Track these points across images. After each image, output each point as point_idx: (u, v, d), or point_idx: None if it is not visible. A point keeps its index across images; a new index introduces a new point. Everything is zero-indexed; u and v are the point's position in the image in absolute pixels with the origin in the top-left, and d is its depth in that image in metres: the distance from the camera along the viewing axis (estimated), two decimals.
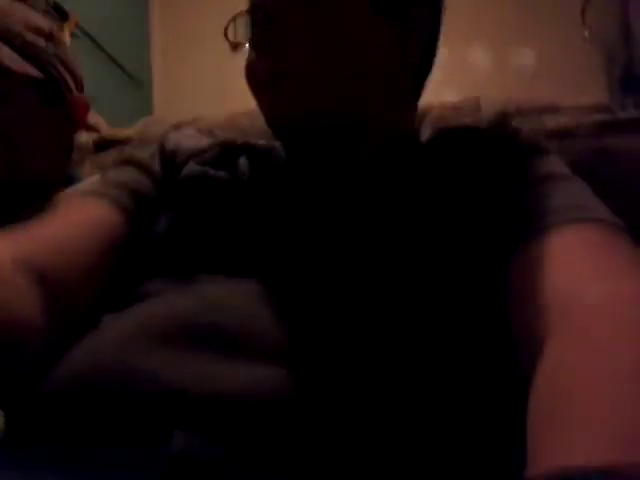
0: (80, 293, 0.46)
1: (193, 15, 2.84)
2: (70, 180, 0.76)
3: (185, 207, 0.51)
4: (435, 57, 0.60)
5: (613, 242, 0.39)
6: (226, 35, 0.56)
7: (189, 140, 0.60)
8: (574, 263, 0.37)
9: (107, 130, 1.00)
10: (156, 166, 0.58)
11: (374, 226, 0.45)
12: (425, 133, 0.80)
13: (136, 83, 2.65)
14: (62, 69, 0.71)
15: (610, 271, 0.35)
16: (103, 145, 0.97)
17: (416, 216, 0.45)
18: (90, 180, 0.73)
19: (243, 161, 0.55)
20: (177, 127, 0.93)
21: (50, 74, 0.69)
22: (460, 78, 2.76)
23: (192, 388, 0.33)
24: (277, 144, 0.58)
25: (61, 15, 2.02)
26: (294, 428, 0.32)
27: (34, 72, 0.67)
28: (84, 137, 0.87)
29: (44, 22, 0.71)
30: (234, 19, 0.56)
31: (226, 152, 0.56)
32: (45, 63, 0.69)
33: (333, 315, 0.38)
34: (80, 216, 0.50)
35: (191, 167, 0.53)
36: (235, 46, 0.57)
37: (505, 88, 2.56)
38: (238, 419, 0.32)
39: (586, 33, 2.65)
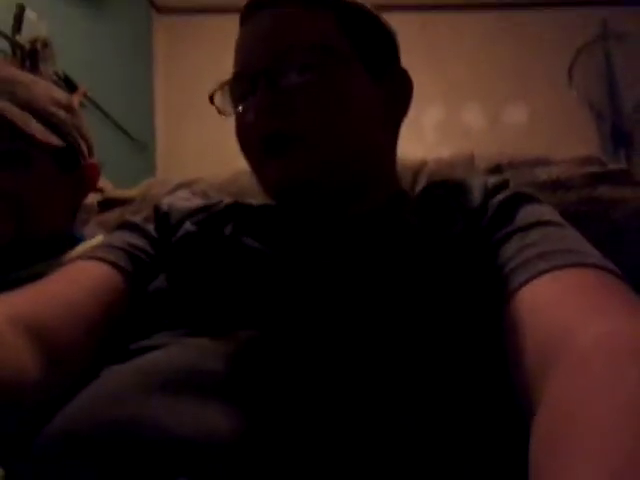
0: (78, 348, 0.46)
1: (193, 82, 2.96)
2: (74, 239, 0.77)
3: (181, 265, 0.52)
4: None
5: (607, 284, 0.40)
6: (212, 101, 0.58)
7: (182, 202, 0.63)
8: (569, 304, 0.37)
9: (112, 191, 1.03)
10: (151, 228, 0.61)
11: (363, 279, 0.45)
12: (420, 187, 0.82)
13: (140, 146, 2.73)
14: (78, 137, 0.76)
15: (606, 310, 0.36)
16: (107, 204, 0.99)
17: (408, 268, 0.46)
18: (95, 239, 0.75)
19: (237, 220, 0.56)
20: (180, 187, 0.96)
21: (69, 142, 0.74)
22: (455, 137, 2.84)
23: (194, 435, 0.33)
24: (270, 203, 0.60)
25: (70, 86, 2.11)
26: (293, 472, 0.31)
27: (56, 141, 0.71)
28: (90, 198, 0.89)
29: (63, 95, 0.76)
30: (222, 87, 0.58)
31: (219, 213, 0.58)
32: (65, 133, 0.73)
33: (328, 365, 0.38)
34: (78, 276, 0.52)
35: (187, 227, 0.55)
36: (223, 112, 0.59)
37: (499, 145, 2.62)
38: (237, 465, 0.31)
39: (574, 92, 2.75)
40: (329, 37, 0.54)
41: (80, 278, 0.51)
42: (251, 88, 0.54)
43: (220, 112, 0.59)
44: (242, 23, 0.59)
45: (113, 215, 0.95)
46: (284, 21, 0.55)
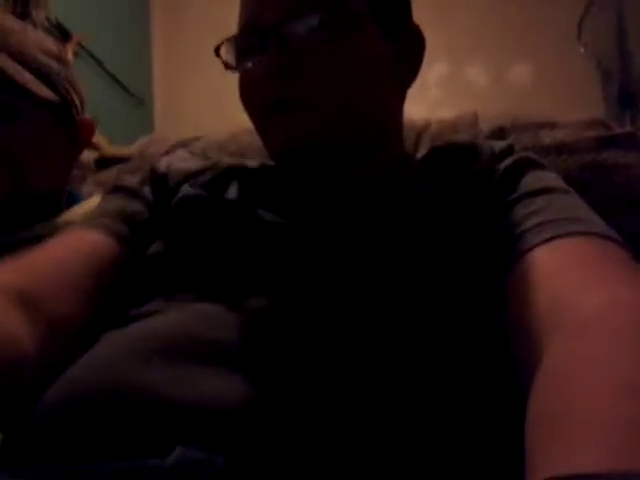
0: (74, 316, 0.46)
1: (193, 34, 2.88)
2: (72, 197, 0.77)
3: (180, 229, 0.51)
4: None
5: (609, 253, 0.40)
6: (218, 54, 0.56)
7: (181, 163, 0.61)
8: (570, 272, 0.37)
9: (108, 148, 1.01)
10: (147, 190, 0.59)
11: (369, 245, 0.45)
12: (423, 149, 0.81)
13: (137, 101, 2.67)
14: (71, 90, 0.73)
15: (606, 279, 0.36)
16: (104, 163, 0.98)
17: (412, 234, 0.45)
18: (93, 199, 0.74)
19: (236, 183, 0.55)
20: (179, 145, 0.94)
21: (63, 97, 0.71)
22: (458, 94, 2.79)
23: (193, 402, 0.33)
24: (270, 164, 0.59)
25: (63, 34, 2.05)
26: (296, 439, 0.32)
27: (52, 96, 0.69)
28: (85, 155, 0.88)
29: (54, 44, 0.73)
30: (228, 40, 0.56)
31: (219, 175, 0.57)
32: (58, 86, 0.70)
33: (332, 335, 0.39)
34: (71, 244, 0.51)
35: (185, 190, 0.54)
36: (229, 66, 0.56)
37: (503, 104, 2.58)
38: (240, 432, 0.32)
39: (582, 49, 2.68)
40: None
41: (73, 246, 0.51)
42: (259, 44, 0.52)
43: (227, 67, 0.56)
44: None
45: (111, 174, 0.94)
46: None
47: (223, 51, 0.56)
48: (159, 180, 0.59)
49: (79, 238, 0.52)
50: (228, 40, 0.56)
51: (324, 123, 0.51)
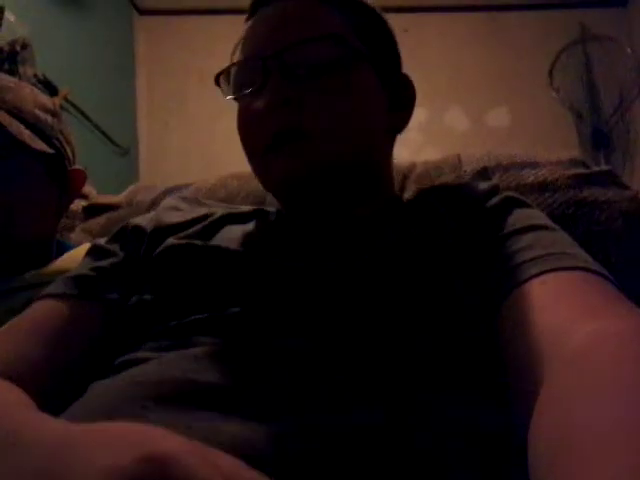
0: (51, 395, 0.45)
1: (177, 84, 2.94)
2: (61, 246, 0.76)
3: (169, 276, 0.50)
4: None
5: (597, 287, 0.40)
6: (218, 83, 0.56)
7: (168, 214, 0.59)
8: (561, 306, 0.38)
9: (97, 197, 1.02)
10: (119, 247, 0.57)
11: (367, 282, 0.45)
12: (409, 191, 0.83)
13: (122, 151, 2.70)
14: (64, 142, 0.74)
15: (596, 311, 0.36)
16: (93, 211, 0.98)
17: (406, 271, 0.46)
18: (82, 247, 0.74)
19: (231, 228, 0.55)
20: (167, 193, 0.94)
21: (56, 148, 0.72)
22: (439, 139, 2.86)
23: None
24: (265, 208, 0.59)
25: (50, 89, 2.08)
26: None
27: (47, 149, 0.70)
28: (74, 203, 0.88)
29: (47, 99, 0.74)
30: (228, 69, 0.55)
31: (211, 223, 0.56)
32: (52, 138, 0.72)
33: (329, 375, 0.38)
34: (38, 322, 0.50)
35: (171, 241, 0.52)
36: (229, 93, 0.56)
37: (482, 147, 2.65)
38: None
39: (554, 94, 2.79)
40: (345, 32, 0.53)
41: (41, 323, 0.49)
42: (261, 73, 0.51)
43: (227, 94, 0.56)
44: (251, 15, 0.58)
45: (99, 221, 0.94)
46: (299, 10, 0.53)
47: (222, 81, 0.56)
48: (134, 234, 0.58)
49: (43, 313, 0.51)
50: (229, 69, 0.55)
51: (325, 155, 0.51)
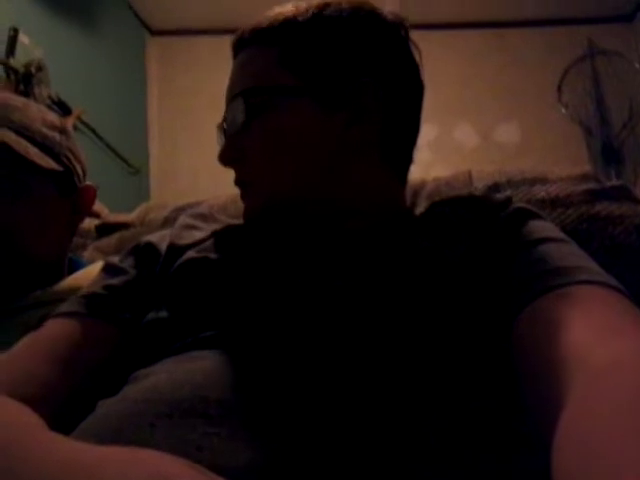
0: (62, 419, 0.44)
1: (189, 101, 2.98)
2: (73, 264, 0.77)
3: (184, 292, 0.51)
4: (414, 131, 0.64)
5: (615, 302, 0.40)
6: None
7: (183, 233, 0.60)
8: (580, 321, 0.37)
9: (109, 215, 1.03)
10: (132, 265, 0.58)
11: (369, 296, 0.45)
12: (421, 207, 0.82)
13: (134, 170, 2.73)
14: (73, 159, 0.74)
15: (617, 329, 0.36)
16: (105, 229, 0.99)
17: (412, 283, 0.45)
18: (94, 265, 0.74)
19: (236, 244, 0.56)
20: (178, 211, 0.95)
21: (65, 165, 0.73)
22: (448, 155, 2.87)
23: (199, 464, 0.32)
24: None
25: (64, 110, 2.12)
26: None
27: (56, 167, 0.71)
28: (86, 222, 0.89)
29: (55, 117, 0.75)
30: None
31: (220, 238, 0.57)
32: (61, 156, 0.72)
33: (337, 392, 0.38)
34: (48, 341, 0.50)
35: (189, 255, 0.54)
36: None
37: (491, 164, 2.65)
38: None
39: (563, 110, 2.79)
40: (269, 76, 0.55)
41: (53, 343, 0.50)
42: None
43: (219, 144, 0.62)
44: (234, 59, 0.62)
45: (111, 240, 0.94)
46: (239, 67, 0.58)
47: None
48: (147, 251, 0.59)
49: (53, 333, 0.51)
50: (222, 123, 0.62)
51: (265, 197, 0.57)
